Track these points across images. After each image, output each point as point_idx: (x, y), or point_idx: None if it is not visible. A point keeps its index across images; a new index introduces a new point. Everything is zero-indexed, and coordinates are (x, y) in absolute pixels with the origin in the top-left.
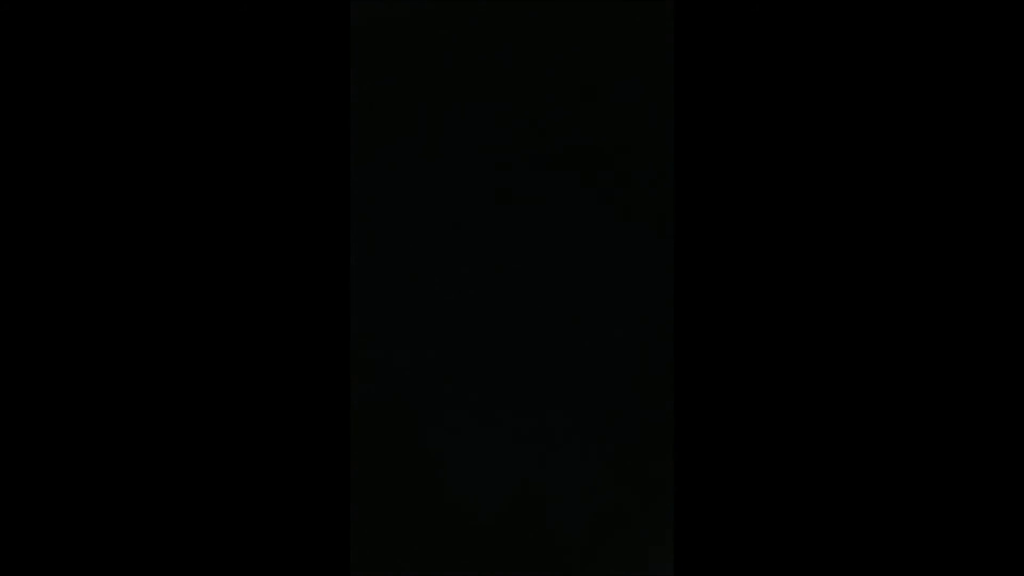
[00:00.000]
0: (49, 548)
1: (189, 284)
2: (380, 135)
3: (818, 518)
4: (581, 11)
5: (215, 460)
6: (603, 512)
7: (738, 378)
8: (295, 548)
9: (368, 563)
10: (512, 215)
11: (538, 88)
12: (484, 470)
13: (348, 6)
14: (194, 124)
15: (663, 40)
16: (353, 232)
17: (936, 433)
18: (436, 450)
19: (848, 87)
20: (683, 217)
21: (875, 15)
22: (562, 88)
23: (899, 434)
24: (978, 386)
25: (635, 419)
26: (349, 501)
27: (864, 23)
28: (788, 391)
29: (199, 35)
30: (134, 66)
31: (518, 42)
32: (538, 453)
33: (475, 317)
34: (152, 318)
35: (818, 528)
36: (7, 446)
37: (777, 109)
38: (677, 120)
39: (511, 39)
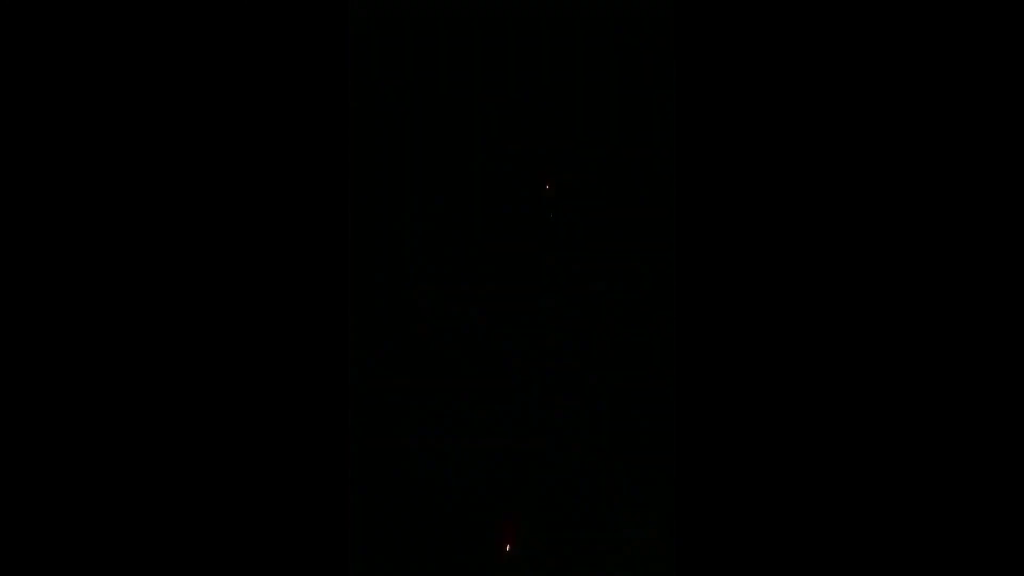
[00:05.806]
0: (49, 547)
1: (189, 286)
2: (378, 135)
3: (818, 518)
4: (582, 11)
5: (215, 461)
6: (603, 512)
7: (738, 379)
8: (295, 547)
9: (368, 563)
10: (511, 216)
11: (538, 84)
12: (484, 473)
13: (347, 5)
14: (192, 125)
15: (664, 40)
16: (352, 231)
17: (934, 432)
18: (436, 450)
19: (849, 86)
20: (684, 225)
21: (874, 15)
22: (562, 87)
23: (898, 434)
24: (976, 386)
25: (636, 424)
26: (348, 502)
27: (864, 23)
28: (787, 394)
29: (199, 35)
30: (134, 66)
31: (517, 42)
32: (540, 452)
33: (473, 317)
34: (152, 317)
35: (818, 528)
36: (8, 446)
37: (777, 108)
38: (678, 120)
39: (510, 39)
